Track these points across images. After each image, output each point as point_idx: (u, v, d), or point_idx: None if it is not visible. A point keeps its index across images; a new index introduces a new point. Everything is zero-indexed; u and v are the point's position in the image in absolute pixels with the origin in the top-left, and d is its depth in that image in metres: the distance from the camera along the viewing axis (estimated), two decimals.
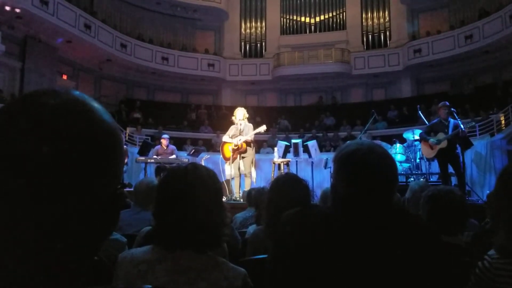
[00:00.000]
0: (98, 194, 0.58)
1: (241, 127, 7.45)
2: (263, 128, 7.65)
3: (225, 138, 7.63)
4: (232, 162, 7.40)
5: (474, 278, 1.48)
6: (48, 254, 0.55)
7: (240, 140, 7.32)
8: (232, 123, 7.70)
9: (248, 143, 7.40)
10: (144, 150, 9.57)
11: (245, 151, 7.39)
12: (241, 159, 7.42)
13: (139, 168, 10.57)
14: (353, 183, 1.28)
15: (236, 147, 7.33)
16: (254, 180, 7.57)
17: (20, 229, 0.54)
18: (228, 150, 7.46)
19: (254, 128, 7.53)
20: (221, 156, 7.71)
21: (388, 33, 19.02)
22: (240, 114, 7.55)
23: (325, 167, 9.66)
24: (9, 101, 0.61)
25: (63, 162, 0.54)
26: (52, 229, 0.54)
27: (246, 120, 7.60)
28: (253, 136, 7.51)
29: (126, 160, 8.78)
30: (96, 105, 0.62)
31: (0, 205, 0.54)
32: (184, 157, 9.88)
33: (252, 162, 7.55)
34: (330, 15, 19.69)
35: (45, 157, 0.53)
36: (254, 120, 7.98)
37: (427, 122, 8.11)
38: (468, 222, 2.28)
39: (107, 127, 0.60)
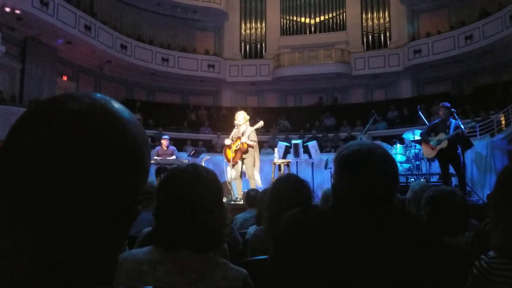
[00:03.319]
0: (114, 205, 0.57)
1: (241, 131, 7.48)
2: (260, 123, 7.70)
3: (227, 141, 7.68)
4: (235, 164, 7.41)
5: (472, 278, 1.49)
6: (55, 260, 0.54)
7: (241, 141, 7.35)
8: (233, 124, 7.73)
9: (250, 146, 7.40)
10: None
11: (246, 151, 7.39)
12: (241, 160, 7.44)
13: None
14: (354, 184, 1.28)
15: (238, 148, 7.35)
16: (259, 183, 7.54)
17: (29, 234, 0.54)
18: (229, 152, 7.47)
19: (256, 132, 7.57)
20: (225, 159, 7.72)
21: (388, 33, 19.02)
22: (241, 118, 7.57)
23: (326, 167, 9.65)
24: (33, 105, 0.59)
25: (79, 171, 0.53)
26: (61, 237, 0.54)
27: (247, 123, 7.61)
28: (255, 137, 7.51)
29: None
30: (119, 111, 0.59)
31: (12, 210, 0.54)
32: (184, 158, 9.88)
33: (254, 164, 7.53)
34: (330, 15, 19.69)
35: (62, 165, 0.53)
36: (255, 120, 7.98)
37: (427, 123, 8.11)
38: (469, 223, 2.28)
39: (129, 136, 0.58)
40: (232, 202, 6.98)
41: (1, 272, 0.53)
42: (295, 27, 20.06)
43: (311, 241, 1.24)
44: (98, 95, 0.60)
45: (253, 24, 20.32)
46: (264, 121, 8.11)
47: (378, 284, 1.17)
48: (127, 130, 0.58)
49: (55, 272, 0.54)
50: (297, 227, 1.31)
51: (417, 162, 9.13)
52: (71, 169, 0.53)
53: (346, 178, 1.30)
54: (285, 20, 20.16)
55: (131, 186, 0.59)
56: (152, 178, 7.47)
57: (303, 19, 19.94)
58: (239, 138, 7.41)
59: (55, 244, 0.54)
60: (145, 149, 0.61)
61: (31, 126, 0.55)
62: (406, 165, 9.25)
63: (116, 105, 0.60)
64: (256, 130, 7.71)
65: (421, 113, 9.43)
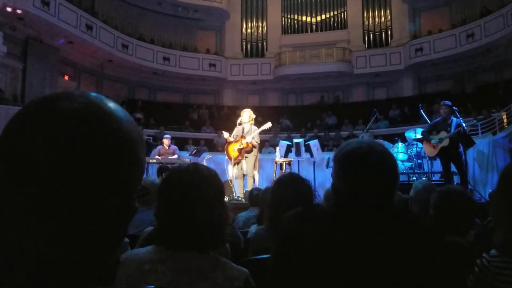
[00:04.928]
0: (109, 203, 0.57)
1: (245, 130, 7.43)
2: (268, 125, 7.66)
3: (225, 134, 7.67)
4: (238, 163, 7.39)
5: (474, 276, 1.48)
6: (53, 261, 0.54)
7: (246, 140, 7.30)
8: (235, 123, 7.71)
9: (254, 146, 7.37)
10: (146, 150, 9.56)
11: (250, 151, 7.36)
12: (244, 159, 7.41)
13: None
14: (353, 182, 1.28)
15: (242, 147, 7.30)
16: (257, 182, 7.53)
17: (24, 235, 0.53)
18: (231, 150, 7.44)
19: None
20: (226, 156, 7.69)
21: (389, 32, 18.99)
22: (246, 117, 7.51)
23: (327, 166, 9.65)
24: (26, 104, 0.59)
25: (71, 170, 0.53)
26: (58, 236, 0.54)
27: (252, 122, 7.56)
28: (258, 138, 7.48)
29: None
30: (113, 110, 0.59)
31: (8, 211, 0.53)
32: (186, 157, 9.88)
33: (255, 163, 7.51)
34: (331, 14, 19.67)
35: (54, 164, 0.53)
36: (256, 120, 7.95)
37: (429, 121, 8.10)
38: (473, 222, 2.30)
39: (123, 134, 0.58)
40: (234, 201, 6.97)
41: (0, 273, 0.53)
42: (296, 26, 20.03)
43: (313, 240, 1.24)
44: (93, 94, 0.60)
45: (254, 23, 20.30)
46: (265, 120, 8.07)
47: (380, 283, 1.17)
48: (121, 128, 0.58)
49: (53, 273, 0.54)
50: (299, 226, 1.30)
51: (419, 161, 9.13)
52: (65, 169, 0.53)
53: (346, 176, 1.30)
54: (286, 19, 20.13)
55: (126, 184, 0.59)
56: (153, 177, 7.47)
57: (304, 18, 19.92)
58: (243, 137, 7.37)
59: (53, 245, 0.54)
60: (140, 147, 0.61)
61: (24, 126, 0.55)
62: (408, 164, 9.24)
63: (110, 104, 0.60)
64: (263, 130, 7.67)
65: (423, 111, 9.42)
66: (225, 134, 7.68)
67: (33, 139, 0.53)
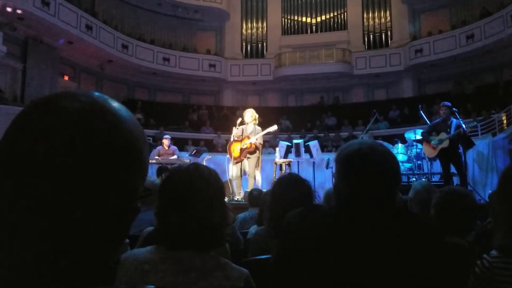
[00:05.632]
0: (112, 203, 0.57)
1: (249, 130, 7.41)
2: (273, 128, 7.64)
3: (232, 138, 7.62)
4: (239, 162, 7.37)
5: (474, 277, 1.48)
6: (54, 260, 0.54)
7: (250, 141, 7.28)
8: (234, 124, 7.70)
9: (256, 146, 7.35)
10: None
11: (254, 152, 7.34)
12: (247, 159, 7.39)
13: None
14: (355, 183, 1.28)
15: (245, 147, 7.29)
16: (259, 183, 7.51)
17: (25, 235, 0.53)
18: (235, 150, 7.42)
19: (263, 130, 7.49)
20: (228, 155, 7.67)
21: (389, 33, 18.99)
22: (248, 116, 7.50)
23: (327, 167, 9.65)
24: (29, 104, 0.59)
25: (74, 170, 0.53)
26: (59, 236, 0.54)
27: (255, 122, 7.54)
28: (261, 140, 7.47)
29: None
30: (117, 110, 0.58)
31: (9, 211, 0.53)
32: (185, 157, 9.88)
33: (257, 164, 7.48)
34: (331, 15, 19.68)
35: (57, 164, 0.53)
36: (257, 120, 7.95)
37: (428, 122, 8.10)
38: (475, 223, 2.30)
39: (126, 134, 0.58)
40: (234, 202, 6.96)
41: (1, 272, 0.52)
42: (296, 27, 20.03)
43: (314, 240, 1.24)
44: (96, 93, 0.60)
45: (254, 24, 20.31)
46: (265, 121, 8.07)
47: (381, 283, 1.17)
48: (125, 128, 0.58)
49: (54, 272, 0.54)
50: (300, 226, 1.30)
51: (419, 162, 9.12)
52: (68, 168, 0.53)
53: (347, 177, 1.30)
54: (286, 20, 20.13)
55: (129, 184, 0.59)
56: (153, 177, 7.45)
57: (304, 19, 19.92)
58: (247, 137, 7.35)
59: (54, 245, 0.54)
60: (143, 147, 0.61)
61: (26, 126, 0.55)
62: (408, 165, 9.24)
63: (114, 103, 0.60)
64: (268, 133, 7.64)
65: (423, 112, 9.42)
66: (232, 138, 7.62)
67: (36, 139, 0.53)
